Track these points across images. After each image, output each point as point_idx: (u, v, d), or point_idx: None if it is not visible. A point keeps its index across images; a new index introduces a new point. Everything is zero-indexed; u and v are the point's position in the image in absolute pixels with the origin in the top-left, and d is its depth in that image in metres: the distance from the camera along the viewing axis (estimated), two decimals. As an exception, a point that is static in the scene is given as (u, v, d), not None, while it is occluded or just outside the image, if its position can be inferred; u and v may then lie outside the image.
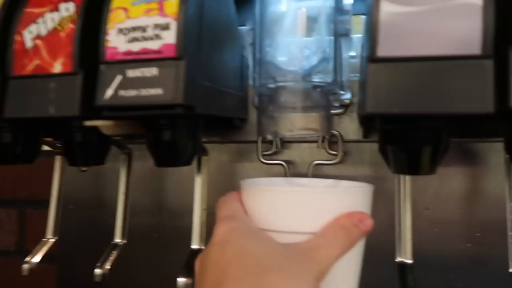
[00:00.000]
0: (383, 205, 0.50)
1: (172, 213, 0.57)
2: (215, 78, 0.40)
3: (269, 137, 0.41)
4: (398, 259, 0.42)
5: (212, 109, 0.40)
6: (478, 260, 0.47)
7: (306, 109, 0.41)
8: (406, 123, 0.33)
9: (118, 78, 0.33)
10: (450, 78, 0.28)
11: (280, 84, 0.41)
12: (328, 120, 0.42)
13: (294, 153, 0.53)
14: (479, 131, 0.45)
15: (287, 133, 0.40)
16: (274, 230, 0.32)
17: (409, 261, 0.42)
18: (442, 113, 0.28)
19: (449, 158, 0.48)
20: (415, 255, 0.48)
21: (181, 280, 0.43)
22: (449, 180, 0.48)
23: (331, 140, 0.48)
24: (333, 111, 0.48)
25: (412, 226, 0.43)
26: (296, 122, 0.40)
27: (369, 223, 0.32)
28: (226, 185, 0.55)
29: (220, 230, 0.31)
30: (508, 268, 0.39)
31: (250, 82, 0.49)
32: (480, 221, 0.47)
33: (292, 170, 0.51)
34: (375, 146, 0.50)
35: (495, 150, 0.47)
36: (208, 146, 0.55)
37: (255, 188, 0.34)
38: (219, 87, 0.41)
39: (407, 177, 0.43)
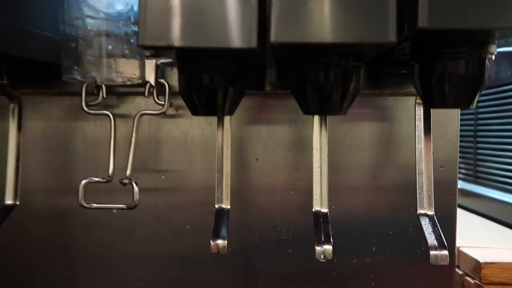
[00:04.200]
0: (214, 157, 0.50)
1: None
2: (13, 14, 0.36)
3: (73, 78, 0.38)
4: (217, 206, 0.43)
5: (8, 48, 0.36)
6: (300, 206, 0.50)
7: (115, 52, 0.39)
8: (200, 62, 0.33)
9: None
10: (216, 10, 0.28)
11: (88, 23, 0.38)
12: (142, 66, 0.40)
13: (129, 106, 0.51)
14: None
15: (93, 75, 0.38)
16: None
17: (227, 207, 0.43)
18: (209, 47, 0.28)
19: (277, 112, 0.51)
20: (246, 205, 0.50)
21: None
22: (276, 131, 0.50)
23: (161, 92, 0.47)
24: (162, 60, 0.47)
25: (240, 175, 0.44)
26: (103, 65, 0.38)
27: None
28: (56, 141, 0.51)
29: None
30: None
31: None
32: (302, 169, 0.50)
33: (125, 122, 0.49)
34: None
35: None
36: (37, 99, 0.51)
37: None
38: (21, 25, 0.37)
39: (226, 125, 0.43)
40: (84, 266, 0.52)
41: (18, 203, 0.43)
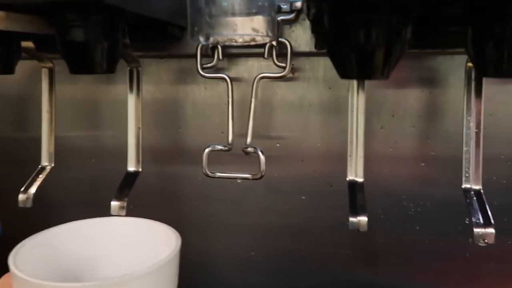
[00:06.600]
0: (335, 125, 0.46)
1: (108, 134, 0.51)
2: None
3: (202, 40, 0.35)
4: (349, 178, 0.39)
5: (132, 5, 0.33)
6: (431, 179, 0.45)
7: (246, 9, 0.35)
8: (355, 15, 0.28)
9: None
10: None
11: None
12: (273, 23, 0.36)
13: (241, 68, 0.47)
14: (438, 40, 0.40)
15: (225, 34, 0.34)
16: None
17: (360, 180, 0.39)
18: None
19: (406, 74, 0.45)
20: (367, 175, 0.46)
21: (114, 203, 0.39)
22: (406, 98, 0.44)
23: (279, 52, 0.43)
24: (282, 17, 0.42)
25: (365, 144, 0.40)
26: (235, 23, 0.34)
27: None
28: (166, 106, 0.50)
29: None
30: (461, 185, 0.37)
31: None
32: (436, 139, 0.44)
33: (237, 86, 0.46)
34: (328, 61, 0.46)
35: (455, 64, 0.43)
36: (146, 61, 0.49)
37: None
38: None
39: (361, 91, 0.38)
40: (194, 234, 0.51)
41: (140, 170, 0.42)
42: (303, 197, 0.48)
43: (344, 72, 0.31)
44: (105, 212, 0.46)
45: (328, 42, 0.31)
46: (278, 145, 0.48)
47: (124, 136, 0.49)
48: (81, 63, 0.33)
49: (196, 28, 0.34)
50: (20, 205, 0.41)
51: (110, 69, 0.34)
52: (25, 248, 0.32)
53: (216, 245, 0.51)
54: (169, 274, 0.33)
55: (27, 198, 0.41)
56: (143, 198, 0.51)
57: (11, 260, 0.30)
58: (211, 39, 0.35)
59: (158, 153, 0.50)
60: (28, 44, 0.40)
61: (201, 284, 0.51)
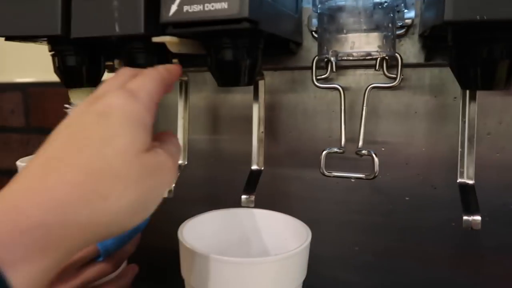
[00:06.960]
0: (441, 131, 0.49)
1: (225, 138, 0.58)
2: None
3: (332, 58, 0.40)
4: (460, 180, 0.42)
5: (274, 28, 0.39)
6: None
7: (368, 28, 0.39)
8: (481, 34, 0.32)
9: (182, -7, 0.33)
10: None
11: (340, 2, 0.39)
12: (392, 40, 0.40)
13: (349, 78, 0.52)
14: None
15: (348, 51, 0.39)
16: None
17: (471, 182, 0.42)
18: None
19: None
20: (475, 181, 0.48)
21: (244, 197, 0.45)
22: (515, 103, 0.46)
23: (389, 64, 0.47)
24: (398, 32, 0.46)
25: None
26: (358, 41, 0.39)
27: None
28: (280, 113, 0.55)
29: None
30: None
31: (306, 4, 0.48)
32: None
33: (347, 96, 0.51)
34: (435, 71, 0.49)
35: None
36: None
37: (194, 253, 0.35)
38: (279, 5, 0.40)
39: (472, 99, 0.41)
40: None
41: (263, 168, 0.48)
42: (407, 198, 0.51)
43: (467, 84, 0.34)
44: (221, 205, 0.53)
45: (451, 57, 0.35)
46: (383, 149, 0.51)
47: (239, 139, 0.56)
48: (229, 78, 0.39)
49: (326, 48, 0.40)
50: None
51: (250, 82, 0.40)
52: (188, 226, 0.39)
53: (323, 240, 0.55)
54: (305, 257, 0.38)
55: (169, 191, 0.48)
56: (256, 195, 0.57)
57: (180, 234, 0.37)
58: (339, 56, 0.40)
59: (270, 155, 0.56)
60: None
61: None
